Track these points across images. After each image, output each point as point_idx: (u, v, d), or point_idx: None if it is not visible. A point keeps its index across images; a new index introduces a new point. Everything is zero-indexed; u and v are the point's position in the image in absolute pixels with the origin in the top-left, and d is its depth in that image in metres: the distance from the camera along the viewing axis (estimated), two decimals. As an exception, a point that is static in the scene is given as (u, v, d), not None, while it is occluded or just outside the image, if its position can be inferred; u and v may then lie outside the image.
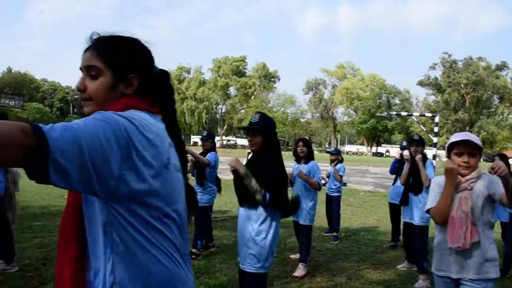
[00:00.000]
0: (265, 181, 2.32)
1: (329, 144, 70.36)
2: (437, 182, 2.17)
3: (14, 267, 3.75)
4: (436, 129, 16.86)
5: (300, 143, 4.46)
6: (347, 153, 56.69)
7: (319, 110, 65.09)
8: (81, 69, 1.07)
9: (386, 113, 24.97)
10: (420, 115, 32.71)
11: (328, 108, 64.78)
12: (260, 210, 2.38)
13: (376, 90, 61.10)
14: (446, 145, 2.12)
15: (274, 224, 2.42)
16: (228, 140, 62.89)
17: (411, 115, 34.20)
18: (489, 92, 59.61)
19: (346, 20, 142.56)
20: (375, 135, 62.79)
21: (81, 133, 0.77)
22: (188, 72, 62.70)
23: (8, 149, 0.70)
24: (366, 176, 20.36)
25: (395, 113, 32.01)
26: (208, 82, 60.75)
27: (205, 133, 5.08)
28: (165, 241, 0.96)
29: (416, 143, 4.13)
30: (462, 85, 59.90)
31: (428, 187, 3.98)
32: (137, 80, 1.07)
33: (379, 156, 57.85)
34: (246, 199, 2.40)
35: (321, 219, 6.44)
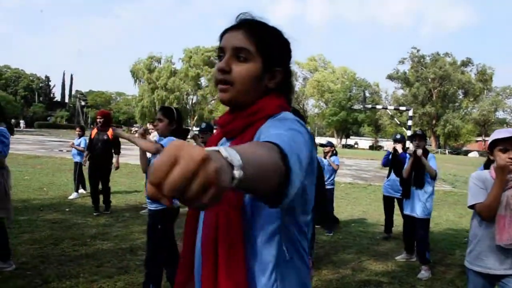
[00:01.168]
0: None
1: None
2: (479, 177, 2.19)
3: (11, 266, 3.61)
4: (410, 122, 17.49)
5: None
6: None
7: (291, 102, 65.78)
8: (222, 48, 0.99)
9: (361, 106, 25.66)
10: (395, 109, 33.75)
11: (299, 100, 65.54)
12: None
13: (347, 83, 62.67)
14: (489, 141, 2.17)
15: None
16: (198, 131, 62.52)
17: (386, 108, 35.29)
18: (454, 87, 62.29)
19: (317, 13, 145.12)
20: (345, 127, 64.24)
21: (299, 152, 0.75)
22: (159, 61, 61.73)
23: (272, 175, 0.63)
24: (342, 168, 20.83)
25: (370, 106, 33.16)
26: (179, 72, 60.26)
27: (204, 125, 5.06)
28: (305, 249, 0.96)
29: (419, 137, 4.27)
30: (429, 79, 62.37)
31: (434, 179, 4.16)
32: (281, 74, 1.01)
33: (349, 148, 59.34)
34: None
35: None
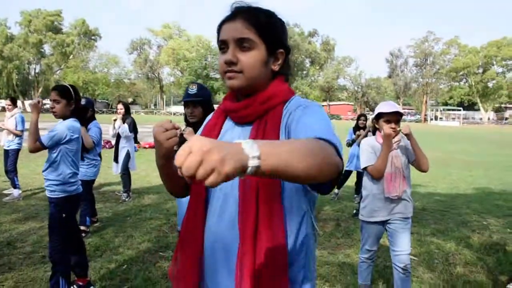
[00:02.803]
0: None
1: (155, 105, 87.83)
2: (368, 143, 3.50)
3: None
4: None
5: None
6: (174, 114, 74.04)
7: (144, 71, 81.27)
8: (223, 41, 1.33)
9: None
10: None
11: (154, 69, 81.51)
12: None
13: (202, 51, 79.45)
14: (374, 113, 3.44)
15: None
16: (44, 104, 72.40)
17: None
18: (302, 56, 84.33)
19: None
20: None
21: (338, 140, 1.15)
22: None
23: (333, 167, 1.02)
24: None
25: None
26: (17, 38, 67.84)
27: (84, 101, 5.18)
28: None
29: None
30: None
31: None
32: (283, 55, 1.39)
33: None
34: None
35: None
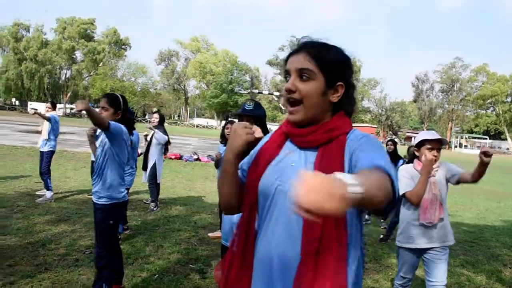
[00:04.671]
0: None
1: (179, 116, 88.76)
2: (407, 170, 3.53)
3: None
4: None
5: (228, 126, 5.74)
6: (197, 126, 74.72)
7: (171, 82, 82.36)
8: (287, 71, 1.47)
9: (249, 90, 35.82)
10: (280, 95, 44.84)
11: (180, 81, 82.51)
12: None
13: (229, 66, 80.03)
14: (416, 140, 3.49)
15: None
16: (72, 109, 73.61)
17: (272, 94, 48.35)
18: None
19: None
20: (226, 110, 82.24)
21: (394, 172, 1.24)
22: (27, 30, 69.75)
23: (389, 195, 1.11)
24: None
25: (257, 91, 44.29)
26: (51, 44, 69.37)
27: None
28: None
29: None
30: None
31: None
32: (343, 88, 1.47)
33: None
34: None
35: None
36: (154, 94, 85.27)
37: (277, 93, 46.42)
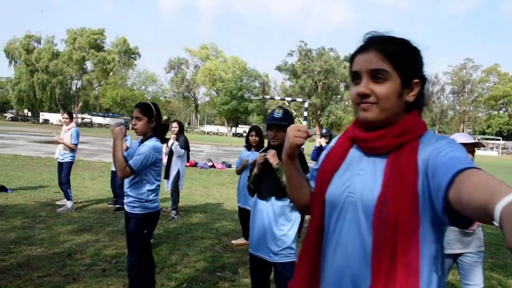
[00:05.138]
0: None
1: (189, 124, 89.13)
2: None
3: None
4: (305, 113, 24.42)
5: (253, 133, 5.85)
6: (207, 133, 74.93)
7: (180, 90, 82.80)
8: (356, 72, 1.33)
9: (261, 96, 31.39)
10: (292, 100, 41.33)
11: (190, 88, 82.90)
12: (287, 201, 3.14)
13: (238, 72, 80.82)
14: None
15: (297, 213, 3.23)
16: (83, 118, 74.56)
17: (284, 99, 48.72)
18: (337, 80, 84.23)
19: (207, 0, 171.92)
20: (236, 116, 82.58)
21: None
22: (38, 41, 70.95)
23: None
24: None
25: (269, 97, 43.85)
26: (62, 55, 70.41)
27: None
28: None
29: None
30: (315, 72, 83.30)
31: None
32: (419, 86, 1.33)
33: (238, 136, 77.19)
34: (276, 192, 3.14)
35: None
36: (164, 102, 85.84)
37: (289, 99, 46.00)
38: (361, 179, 1.34)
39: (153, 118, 3.61)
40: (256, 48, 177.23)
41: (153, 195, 3.64)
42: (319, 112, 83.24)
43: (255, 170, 3.28)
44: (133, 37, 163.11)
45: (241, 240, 6.23)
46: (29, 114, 78.05)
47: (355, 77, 1.34)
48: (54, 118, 72.05)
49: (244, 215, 6.05)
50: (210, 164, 18.03)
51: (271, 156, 3.10)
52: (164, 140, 3.76)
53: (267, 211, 3.20)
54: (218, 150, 31.49)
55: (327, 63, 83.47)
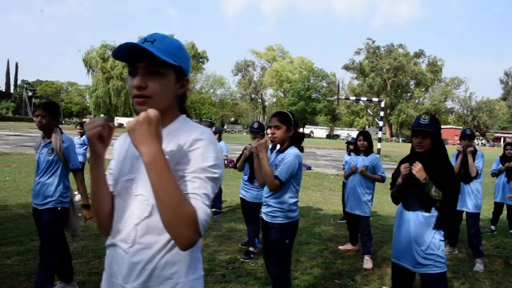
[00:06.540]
0: (445, 185, 3.01)
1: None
2: None
3: (75, 287, 4.10)
4: (382, 114, 23.35)
5: (361, 137, 5.83)
6: (275, 134, 74.85)
7: (248, 92, 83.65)
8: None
9: (335, 97, 31.49)
10: (367, 100, 42.44)
11: (257, 90, 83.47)
12: (435, 212, 3.07)
13: (305, 73, 79.45)
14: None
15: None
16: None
17: (359, 100, 47.37)
18: (407, 78, 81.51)
19: (271, 2, 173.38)
20: (303, 117, 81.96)
21: None
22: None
23: None
24: (318, 159, 26.50)
25: (343, 97, 43.54)
26: None
27: (255, 125, 5.74)
28: None
29: (469, 137, 5.73)
30: (384, 70, 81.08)
31: (476, 177, 5.64)
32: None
33: (306, 137, 76.08)
34: (424, 206, 3.09)
35: (329, 207, 9.60)
36: (231, 105, 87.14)
37: (364, 98, 44.87)
38: None
39: (291, 127, 3.62)
40: (322, 47, 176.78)
41: (294, 204, 3.63)
42: (388, 111, 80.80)
43: (399, 180, 3.23)
44: (200, 42, 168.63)
45: (348, 246, 6.18)
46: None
47: None
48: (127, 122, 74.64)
49: (352, 221, 6.01)
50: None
51: (417, 171, 3.05)
52: (302, 149, 3.75)
53: (414, 220, 3.14)
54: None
55: (397, 60, 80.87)
